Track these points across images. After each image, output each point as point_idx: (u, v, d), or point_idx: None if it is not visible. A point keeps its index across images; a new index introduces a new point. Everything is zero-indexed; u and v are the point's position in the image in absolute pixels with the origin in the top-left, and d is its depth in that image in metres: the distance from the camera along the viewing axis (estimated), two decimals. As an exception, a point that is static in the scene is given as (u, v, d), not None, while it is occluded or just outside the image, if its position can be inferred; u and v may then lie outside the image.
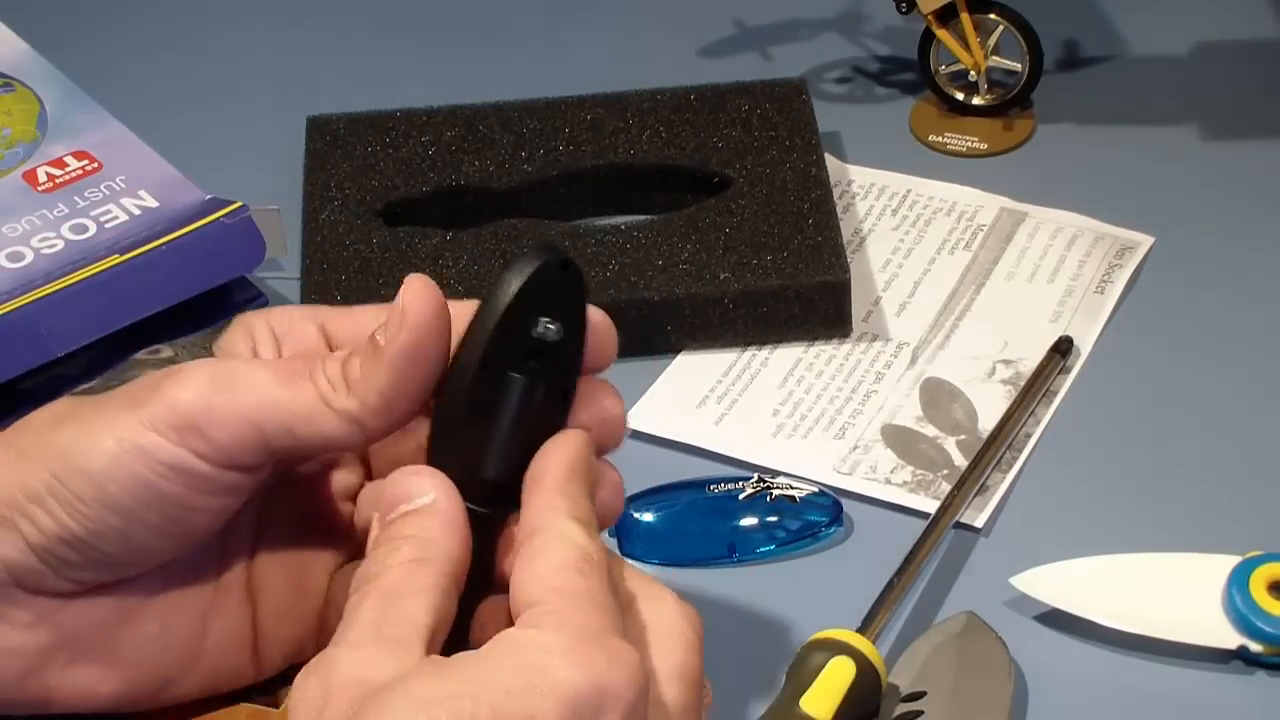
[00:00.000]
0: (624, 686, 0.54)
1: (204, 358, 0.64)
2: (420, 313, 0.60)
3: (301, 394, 0.61)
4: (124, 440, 0.60)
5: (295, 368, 0.62)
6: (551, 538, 0.58)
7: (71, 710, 0.65)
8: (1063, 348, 0.83)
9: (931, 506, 0.77)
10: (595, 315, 0.62)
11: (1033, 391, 0.81)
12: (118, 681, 0.64)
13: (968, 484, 0.77)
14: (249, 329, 0.66)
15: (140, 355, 0.66)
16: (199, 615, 0.64)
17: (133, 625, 0.63)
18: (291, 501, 0.66)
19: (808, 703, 0.66)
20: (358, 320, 0.65)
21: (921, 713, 0.68)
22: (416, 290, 0.61)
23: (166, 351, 0.66)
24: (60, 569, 0.62)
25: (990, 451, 0.78)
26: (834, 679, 0.67)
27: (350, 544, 0.66)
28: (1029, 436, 0.81)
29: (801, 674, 0.67)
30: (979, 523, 0.77)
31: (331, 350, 0.65)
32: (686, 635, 0.59)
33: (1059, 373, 0.82)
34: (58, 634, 0.63)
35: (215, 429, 0.60)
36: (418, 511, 0.59)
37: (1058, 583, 0.73)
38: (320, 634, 0.66)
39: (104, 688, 0.64)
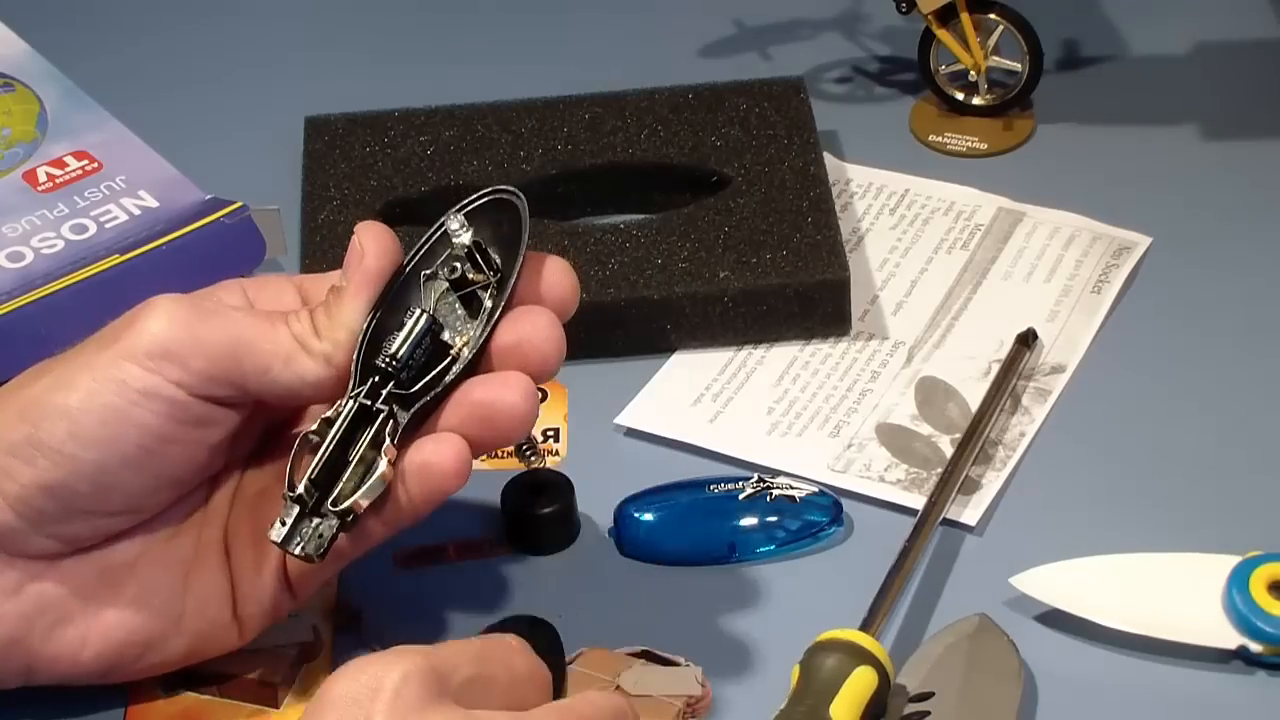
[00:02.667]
0: None
1: None
2: (376, 248, 0.65)
3: (278, 335, 0.64)
4: (99, 374, 0.61)
5: (271, 315, 0.65)
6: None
7: (54, 680, 0.65)
8: (1028, 339, 0.83)
9: (928, 505, 0.77)
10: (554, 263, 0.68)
11: (1004, 385, 0.81)
12: (101, 646, 0.65)
13: (951, 479, 0.76)
14: (214, 291, 0.68)
15: None
16: (180, 574, 0.65)
17: (114, 588, 0.64)
18: (268, 457, 0.68)
19: (835, 711, 0.66)
20: (330, 279, 0.68)
21: (929, 713, 0.68)
22: (372, 230, 0.66)
23: None
24: (39, 523, 0.62)
25: (969, 446, 0.78)
26: (858, 688, 0.67)
27: None
28: (1023, 435, 0.80)
29: (820, 678, 0.67)
30: (972, 520, 0.77)
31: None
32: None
33: (1026, 363, 0.82)
34: (39, 600, 0.63)
35: (193, 357, 0.62)
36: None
37: (1057, 583, 0.73)
38: (289, 586, 0.67)
39: (85, 654, 0.64)
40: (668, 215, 0.87)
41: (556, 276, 0.68)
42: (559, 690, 0.68)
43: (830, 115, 0.95)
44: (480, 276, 0.67)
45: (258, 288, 0.68)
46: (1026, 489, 0.78)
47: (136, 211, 0.87)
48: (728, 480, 0.77)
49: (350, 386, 0.65)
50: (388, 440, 0.64)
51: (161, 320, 0.62)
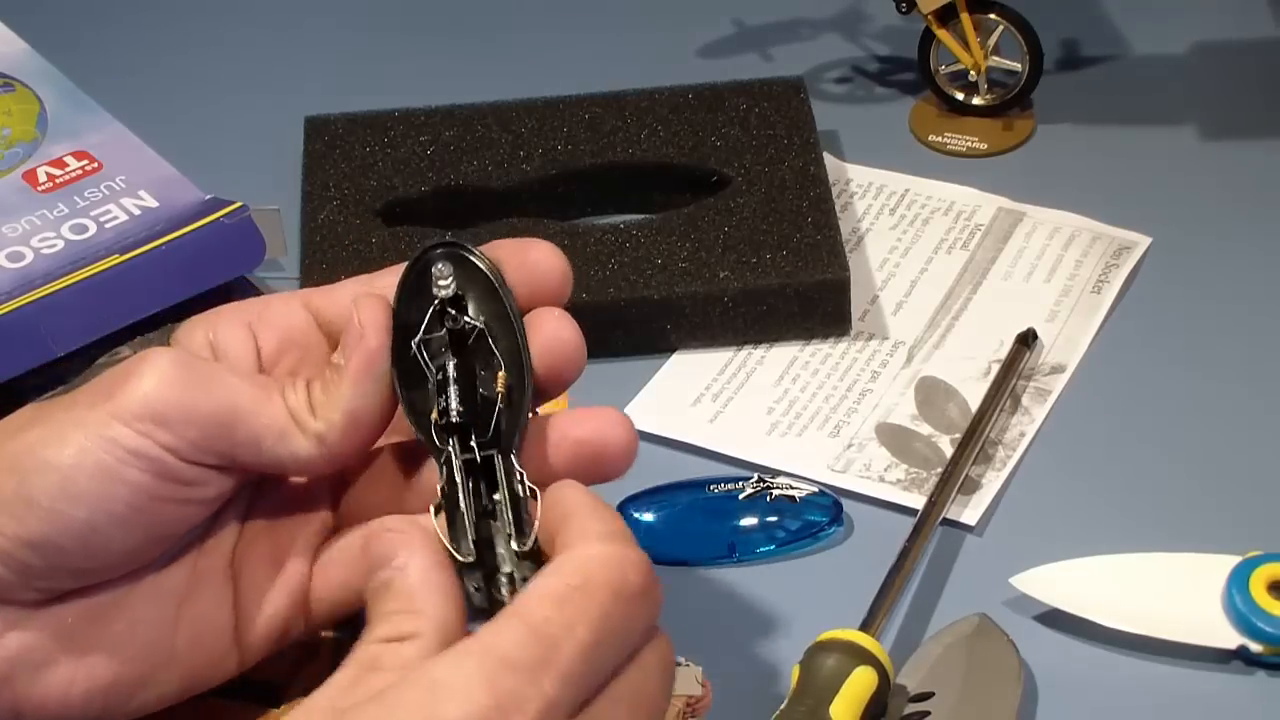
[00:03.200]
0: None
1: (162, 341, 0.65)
2: (375, 326, 0.61)
3: (273, 408, 0.61)
4: (91, 432, 0.59)
5: (266, 382, 0.62)
6: (564, 559, 0.57)
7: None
8: (1027, 339, 0.83)
9: (928, 505, 0.76)
10: (539, 250, 0.64)
11: (1004, 385, 0.81)
12: (88, 686, 0.62)
13: (951, 478, 0.76)
14: (210, 321, 0.65)
15: (102, 360, 0.65)
16: (171, 607, 0.63)
17: (100, 627, 0.62)
18: (272, 479, 0.65)
19: (836, 711, 0.66)
20: (347, 290, 0.65)
21: (929, 713, 0.68)
22: (370, 306, 0.62)
23: (126, 353, 0.65)
24: (24, 576, 0.60)
25: (969, 445, 0.78)
26: (858, 688, 0.67)
27: (331, 513, 0.65)
28: (1023, 435, 0.80)
29: (821, 678, 0.67)
30: (972, 520, 0.77)
31: (323, 332, 0.66)
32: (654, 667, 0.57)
33: (1026, 363, 0.82)
34: (21, 645, 0.61)
35: (183, 424, 0.60)
36: (391, 585, 0.58)
37: (1057, 582, 0.73)
38: (306, 612, 0.65)
39: (74, 696, 0.62)
40: (668, 215, 0.87)
41: (544, 261, 0.65)
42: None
43: (830, 115, 0.95)
44: (468, 319, 0.63)
45: (263, 307, 0.66)
46: (1026, 489, 0.78)
47: (136, 211, 0.86)
48: (728, 480, 0.77)
49: (437, 453, 0.62)
50: (519, 481, 0.61)
51: (154, 381, 0.60)
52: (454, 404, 0.62)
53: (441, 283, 0.63)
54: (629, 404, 0.82)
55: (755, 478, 0.77)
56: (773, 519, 0.76)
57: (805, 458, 0.80)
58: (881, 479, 0.79)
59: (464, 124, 0.92)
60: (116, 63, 1.02)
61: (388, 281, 0.65)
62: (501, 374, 0.63)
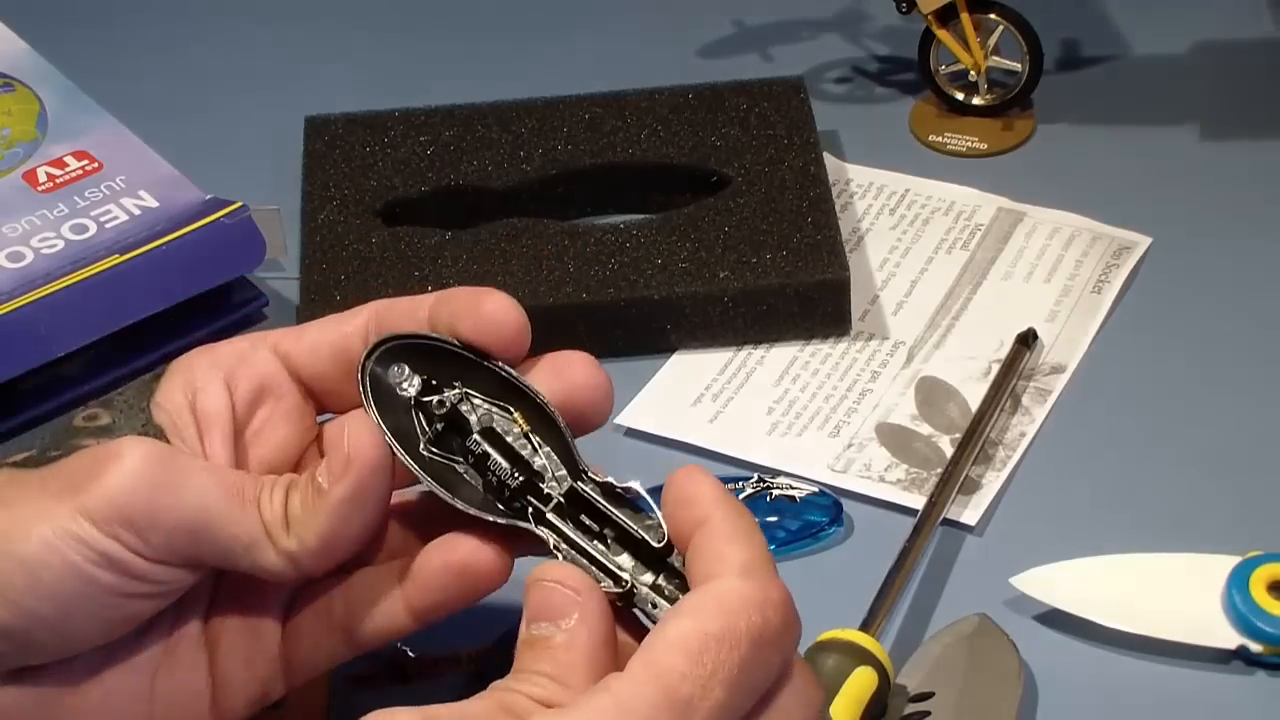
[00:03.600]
0: None
1: (141, 419, 0.62)
2: (363, 460, 0.60)
3: (246, 519, 0.60)
4: (58, 527, 0.58)
5: (242, 487, 0.60)
6: (703, 598, 0.56)
7: None
8: (1028, 339, 0.83)
9: (928, 505, 0.76)
10: (496, 306, 0.62)
11: (1004, 385, 0.81)
12: None
13: (951, 479, 0.76)
14: (188, 375, 0.64)
15: (78, 420, 0.63)
16: (147, 677, 0.62)
17: (72, 700, 0.61)
18: None
19: (835, 711, 0.66)
20: (312, 337, 0.65)
21: (929, 713, 0.68)
22: (361, 434, 0.60)
23: (104, 417, 0.63)
24: None
25: (969, 445, 0.78)
26: (858, 688, 0.67)
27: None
28: (1023, 435, 0.80)
29: (821, 677, 0.66)
30: (972, 520, 0.77)
31: (293, 378, 0.65)
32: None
33: (1026, 363, 0.82)
34: None
35: (151, 531, 0.59)
36: (553, 649, 0.57)
37: (1057, 582, 0.73)
38: (286, 672, 0.64)
39: None
40: (668, 215, 0.87)
41: (499, 313, 0.63)
42: None
43: (830, 115, 0.95)
44: (450, 392, 0.62)
45: (237, 359, 0.64)
46: (1026, 489, 0.78)
47: (136, 211, 0.87)
48: (728, 480, 0.77)
49: (532, 524, 0.61)
50: (615, 492, 0.61)
51: (123, 479, 0.58)
52: (507, 473, 0.61)
53: (405, 385, 0.62)
54: (629, 404, 0.82)
55: (755, 478, 0.77)
56: (773, 519, 0.76)
57: (805, 458, 0.80)
58: (881, 479, 0.79)
59: (464, 124, 0.92)
60: (116, 63, 1.02)
61: (355, 324, 0.64)
62: (516, 415, 0.62)
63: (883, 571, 0.72)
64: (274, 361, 0.65)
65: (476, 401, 0.62)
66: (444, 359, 0.63)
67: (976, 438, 0.78)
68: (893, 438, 0.80)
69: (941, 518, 0.76)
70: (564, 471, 0.61)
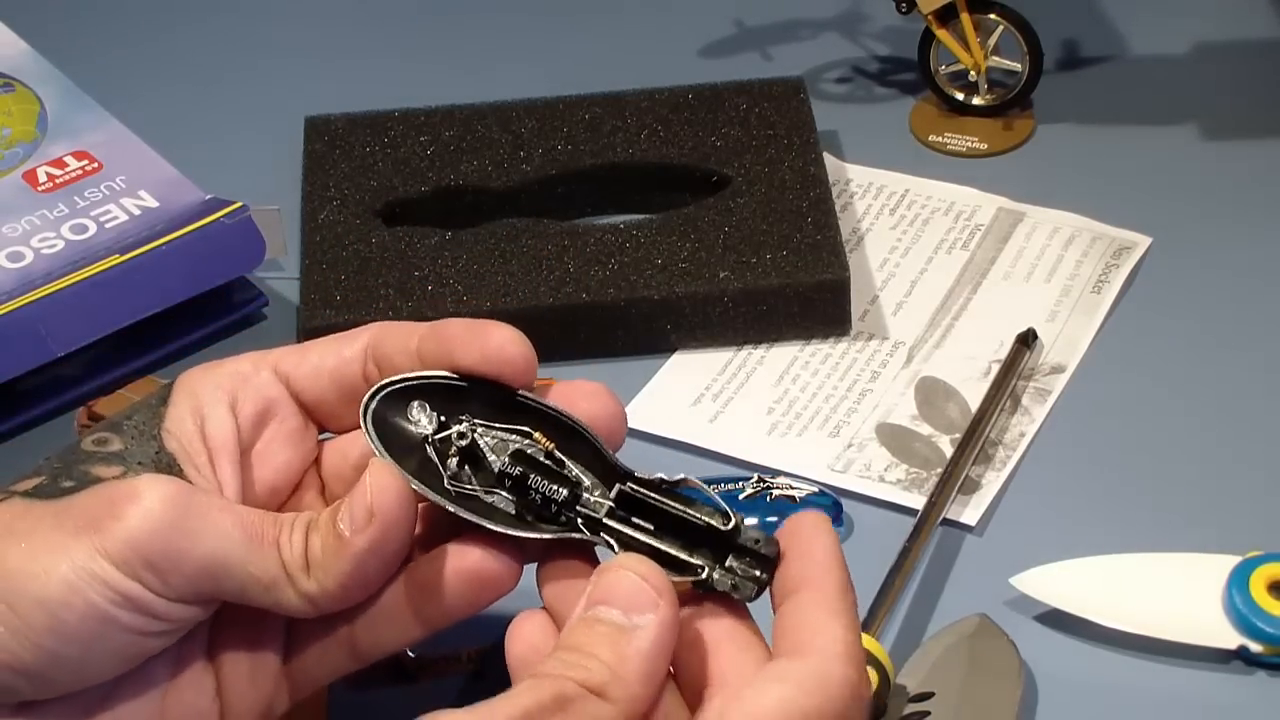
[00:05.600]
0: None
1: (153, 447, 0.62)
2: (387, 510, 0.60)
3: (265, 560, 0.60)
4: (79, 569, 0.58)
5: (262, 528, 0.60)
6: (810, 673, 0.56)
7: None
8: (1028, 339, 0.83)
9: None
10: (494, 340, 0.62)
11: (1004, 385, 0.81)
12: None
13: (951, 478, 0.76)
14: (194, 400, 0.63)
15: (87, 444, 0.63)
16: (156, 701, 0.62)
17: None
18: None
19: None
20: (313, 361, 0.65)
21: (929, 713, 0.68)
22: (384, 484, 0.60)
23: (115, 443, 0.62)
24: (9, 696, 0.59)
25: (969, 445, 0.78)
26: None
27: None
28: (1023, 435, 0.80)
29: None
30: (972, 520, 0.77)
31: (296, 395, 0.65)
32: None
33: (1026, 363, 0.82)
34: None
35: (172, 573, 0.59)
36: (614, 639, 0.56)
37: (1058, 583, 0.73)
38: (290, 687, 0.64)
39: None
40: (668, 215, 0.87)
41: (507, 347, 0.62)
42: None
43: (830, 115, 0.95)
44: (463, 425, 0.62)
45: (240, 382, 0.64)
46: (1026, 489, 0.78)
47: (136, 211, 0.87)
48: (728, 480, 0.77)
49: (590, 537, 0.61)
50: (663, 487, 0.61)
51: (143, 521, 0.58)
52: (552, 489, 0.61)
53: (420, 424, 0.63)
54: (629, 404, 0.81)
55: (755, 478, 0.77)
56: (773, 519, 0.75)
57: (805, 458, 0.79)
58: (881, 479, 0.79)
59: (464, 124, 0.92)
60: (116, 63, 1.02)
61: (354, 350, 0.64)
62: (537, 435, 0.62)
63: (883, 571, 0.72)
64: (276, 384, 0.65)
65: (490, 430, 0.63)
66: (441, 392, 0.63)
67: (976, 438, 0.78)
68: (893, 438, 0.80)
69: (941, 518, 0.76)
70: (596, 479, 0.62)
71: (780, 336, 0.85)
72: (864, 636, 0.68)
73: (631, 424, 0.79)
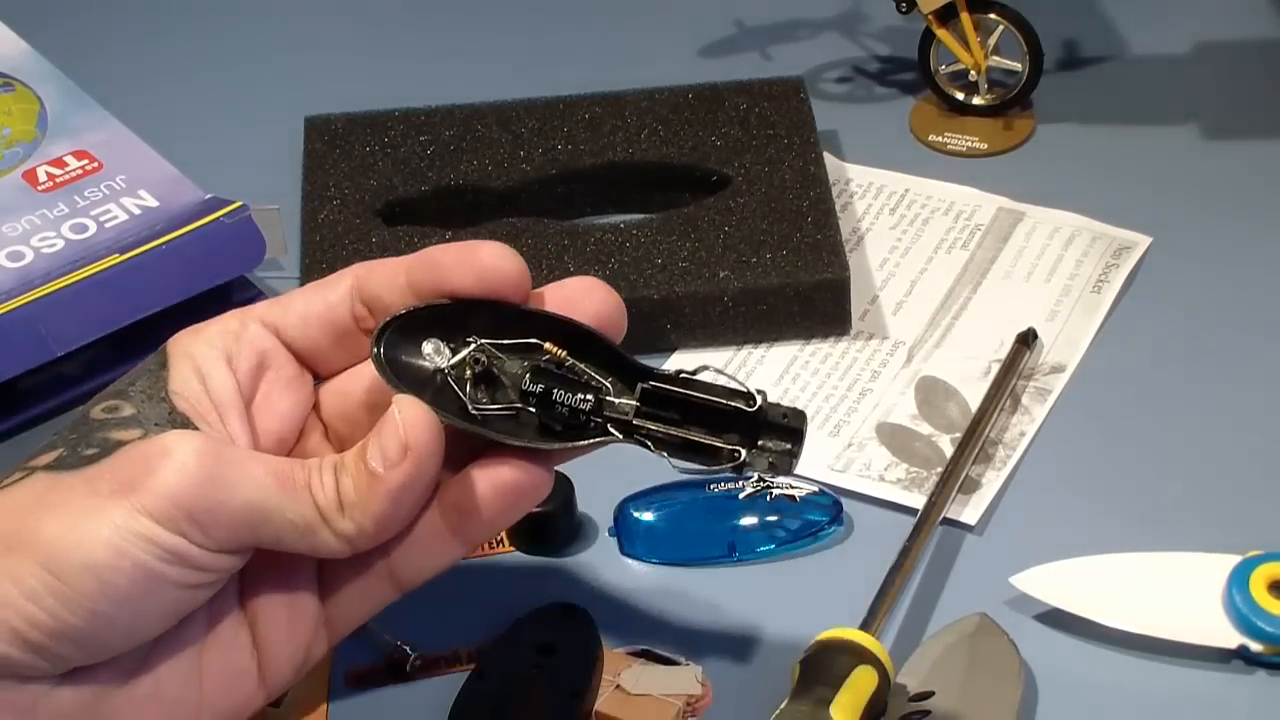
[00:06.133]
0: None
1: (164, 408, 0.63)
2: (421, 442, 0.61)
3: (300, 505, 0.61)
4: (123, 529, 0.59)
5: (293, 474, 0.61)
6: None
7: None
8: (1028, 339, 0.83)
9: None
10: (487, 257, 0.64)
11: (1004, 384, 0.81)
12: None
13: (951, 478, 0.76)
14: (193, 360, 0.65)
15: (96, 413, 0.63)
16: (195, 659, 0.63)
17: (125, 692, 0.62)
18: None
19: (836, 711, 0.66)
20: (298, 309, 0.66)
21: (929, 712, 0.68)
22: (415, 418, 0.61)
23: (126, 409, 0.63)
24: (61, 663, 0.60)
25: (969, 445, 0.78)
26: (858, 688, 0.67)
27: None
28: (1023, 435, 0.80)
29: (821, 677, 0.67)
30: (972, 520, 0.77)
31: (287, 344, 0.66)
32: None
33: (1026, 362, 0.82)
34: (53, 714, 0.60)
35: (213, 525, 0.60)
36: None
37: (1058, 582, 0.73)
38: (329, 629, 0.65)
39: None
40: (668, 215, 0.87)
41: (497, 264, 0.64)
42: (595, 676, 0.68)
43: (830, 115, 0.95)
44: (472, 349, 0.64)
45: (233, 338, 0.65)
46: (1026, 488, 0.78)
47: (136, 211, 0.87)
48: (727, 480, 0.77)
49: (620, 437, 0.64)
50: (687, 381, 0.64)
51: (179, 476, 0.59)
52: (578, 399, 0.63)
53: (436, 358, 0.64)
54: None
55: (755, 477, 0.77)
56: (773, 518, 0.76)
57: (805, 457, 0.77)
58: (881, 478, 0.79)
59: (464, 124, 0.92)
60: (117, 62, 1.02)
61: (340, 293, 0.66)
62: (548, 346, 0.63)
63: (883, 571, 0.72)
64: (267, 335, 0.66)
65: (499, 348, 0.64)
66: (442, 320, 0.64)
67: (976, 437, 0.78)
68: (893, 437, 0.80)
69: (941, 517, 0.76)
70: (615, 379, 0.64)
71: (780, 336, 0.85)
72: (864, 636, 0.68)
73: (631, 423, 0.81)
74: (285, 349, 0.66)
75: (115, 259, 0.83)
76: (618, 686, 0.69)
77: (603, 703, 0.69)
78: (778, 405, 0.63)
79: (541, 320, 0.64)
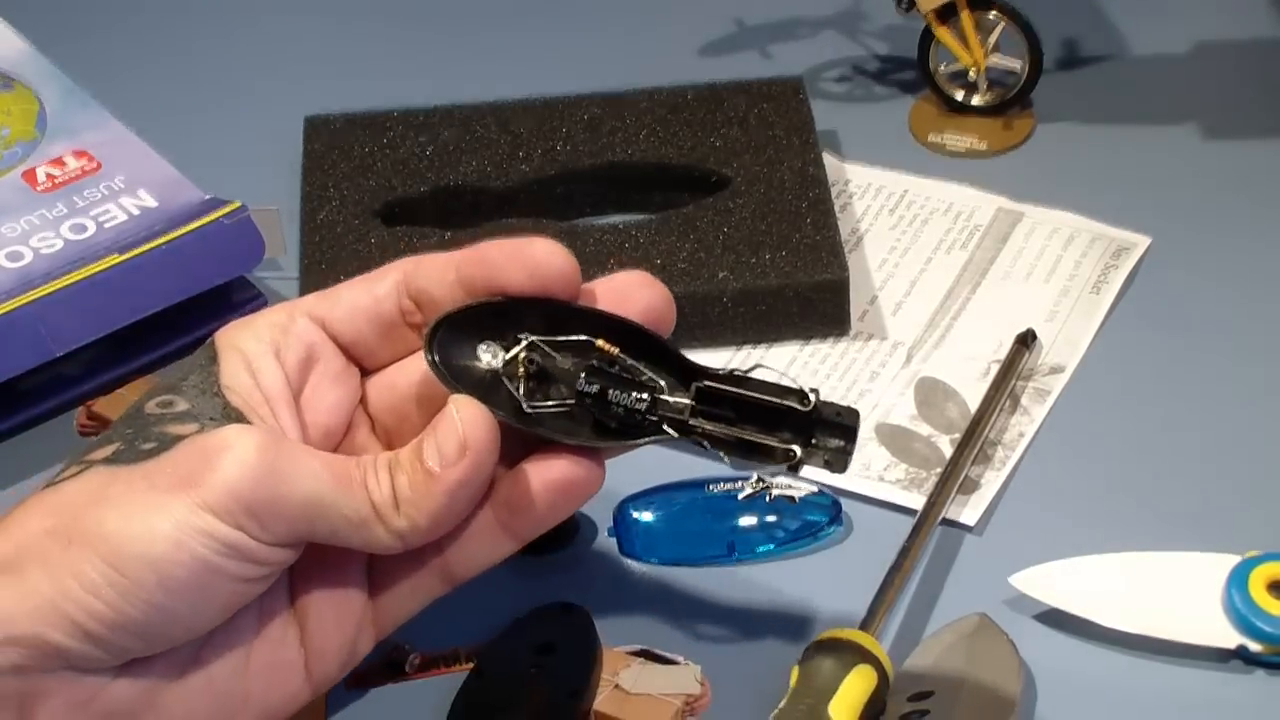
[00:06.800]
0: None
1: (218, 403, 0.63)
2: (480, 442, 0.62)
3: (356, 501, 0.62)
4: (182, 524, 0.59)
5: (348, 470, 0.62)
6: None
7: None
8: (1027, 339, 0.83)
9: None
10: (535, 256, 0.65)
11: (1003, 385, 0.81)
12: None
13: (950, 478, 0.76)
14: (242, 354, 0.65)
15: (151, 408, 0.64)
16: (242, 654, 0.64)
17: (178, 685, 0.62)
18: None
19: (835, 710, 0.66)
20: (345, 303, 0.67)
21: (928, 712, 0.68)
22: (473, 417, 0.62)
23: (181, 404, 0.64)
24: (121, 655, 0.60)
25: (969, 445, 0.78)
26: (857, 687, 0.67)
27: None
28: (1022, 435, 0.80)
29: (819, 677, 0.67)
30: (971, 520, 0.77)
31: (333, 338, 0.67)
32: None
33: (1025, 363, 0.82)
34: (109, 705, 0.61)
35: (272, 519, 0.60)
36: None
37: (1057, 582, 0.73)
38: (377, 624, 0.66)
39: None
40: (667, 215, 0.87)
41: (550, 261, 0.65)
42: (594, 675, 0.69)
43: (830, 115, 0.95)
44: (524, 349, 0.65)
45: (280, 332, 0.66)
46: (1026, 489, 0.78)
47: (135, 211, 0.87)
48: (727, 480, 0.77)
49: (680, 437, 0.65)
50: (742, 381, 0.65)
51: (239, 470, 0.60)
52: (633, 398, 0.64)
53: (488, 359, 0.65)
54: None
55: (755, 477, 0.77)
56: (772, 519, 0.76)
57: None
58: (881, 479, 0.79)
59: (463, 124, 0.92)
60: (116, 63, 1.02)
61: (386, 287, 0.67)
62: (600, 343, 0.64)
63: (882, 571, 0.73)
64: (314, 329, 0.66)
65: (552, 345, 0.65)
66: (492, 317, 0.65)
67: (976, 438, 0.78)
68: (892, 438, 0.80)
69: (941, 517, 0.76)
70: (667, 376, 0.64)
71: (779, 337, 0.85)
72: (864, 636, 0.68)
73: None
74: (332, 342, 0.67)
75: (114, 259, 0.83)
76: (617, 686, 0.69)
77: (602, 701, 0.69)
78: (831, 403, 0.64)
79: (592, 317, 0.65)
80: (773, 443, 0.64)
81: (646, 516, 0.76)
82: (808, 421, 0.64)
